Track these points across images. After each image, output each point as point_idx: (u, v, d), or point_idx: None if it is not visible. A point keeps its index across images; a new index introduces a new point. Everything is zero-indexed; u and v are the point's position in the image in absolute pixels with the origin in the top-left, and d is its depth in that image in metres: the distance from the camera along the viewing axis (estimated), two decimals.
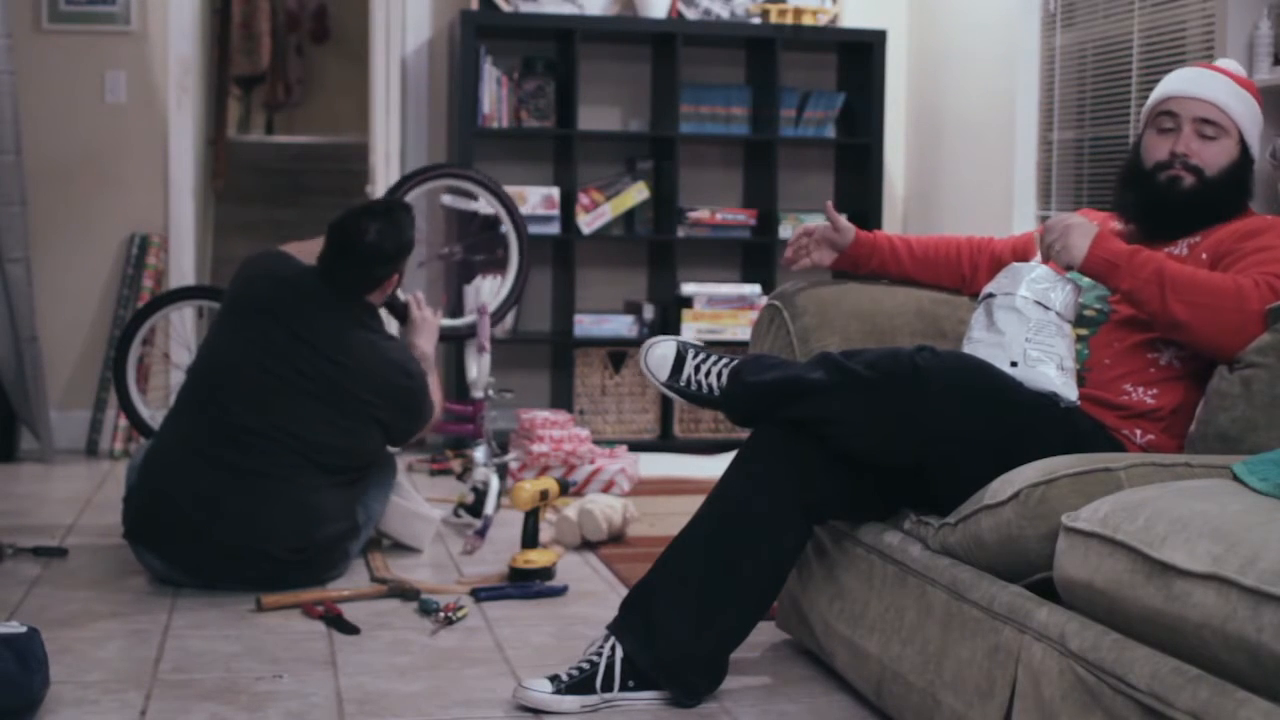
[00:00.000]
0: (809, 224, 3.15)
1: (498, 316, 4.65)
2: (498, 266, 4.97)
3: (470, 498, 4.28)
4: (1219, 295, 2.48)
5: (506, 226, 4.73)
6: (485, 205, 5.08)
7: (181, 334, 5.25)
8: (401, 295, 4.06)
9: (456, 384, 5.29)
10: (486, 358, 4.56)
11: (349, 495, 3.53)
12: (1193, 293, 2.49)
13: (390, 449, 3.71)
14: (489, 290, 4.70)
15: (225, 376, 3.47)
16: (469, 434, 4.58)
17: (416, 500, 3.88)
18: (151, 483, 3.43)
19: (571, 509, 4.01)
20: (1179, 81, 2.75)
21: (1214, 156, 2.70)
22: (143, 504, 3.44)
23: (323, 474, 3.44)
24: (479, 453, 4.43)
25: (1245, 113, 2.72)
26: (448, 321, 4.57)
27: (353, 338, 3.51)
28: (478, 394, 4.55)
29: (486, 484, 4.26)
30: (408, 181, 4.59)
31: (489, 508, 4.13)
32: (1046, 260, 2.68)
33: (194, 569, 3.40)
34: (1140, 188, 2.75)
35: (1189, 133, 2.71)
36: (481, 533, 4.00)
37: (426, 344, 3.93)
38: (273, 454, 3.38)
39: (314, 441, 3.42)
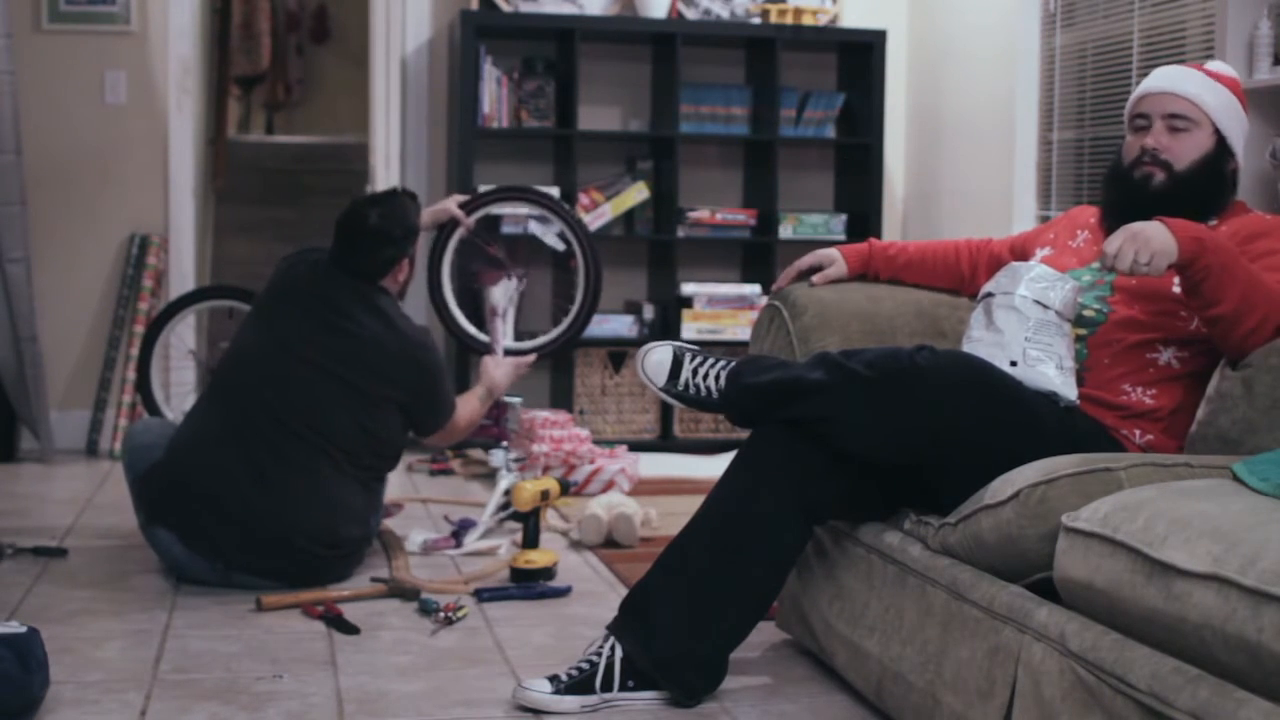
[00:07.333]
0: (802, 262, 3.10)
1: (560, 341, 4.61)
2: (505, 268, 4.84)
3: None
4: (1270, 300, 2.44)
5: (576, 254, 4.64)
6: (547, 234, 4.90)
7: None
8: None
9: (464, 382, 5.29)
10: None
11: (369, 499, 3.57)
12: (1252, 290, 2.43)
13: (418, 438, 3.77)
14: (502, 293, 4.62)
15: (258, 367, 3.54)
16: (493, 437, 4.52)
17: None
18: (178, 466, 3.45)
19: (600, 508, 3.98)
20: (1151, 80, 2.76)
21: (1184, 150, 2.69)
22: (167, 486, 3.45)
23: (349, 468, 3.49)
24: (495, 456, 4.33)
25: (1218, 104, 2.70)
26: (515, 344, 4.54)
27: (368, 312, 3.58)
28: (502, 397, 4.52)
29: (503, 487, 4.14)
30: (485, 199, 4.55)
31: (485, 518, 4.01)
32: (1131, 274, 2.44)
33: (216, 554, 3.40)
34: (1117, 187, 2.75)
35: (1159, 128, 2.71)
36: (456, 535, 3.90)
37: (500, 375, 4.09)
38: (303, 447, 3.43)
39: (340, 432, 3.47)
